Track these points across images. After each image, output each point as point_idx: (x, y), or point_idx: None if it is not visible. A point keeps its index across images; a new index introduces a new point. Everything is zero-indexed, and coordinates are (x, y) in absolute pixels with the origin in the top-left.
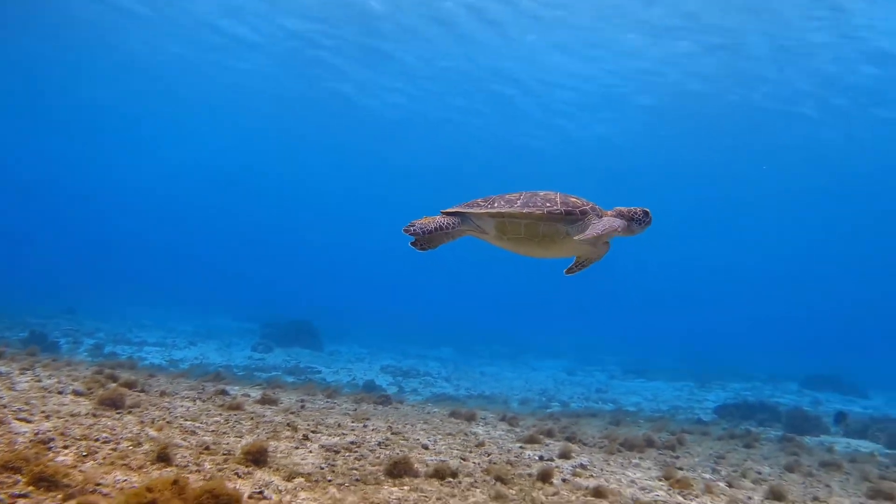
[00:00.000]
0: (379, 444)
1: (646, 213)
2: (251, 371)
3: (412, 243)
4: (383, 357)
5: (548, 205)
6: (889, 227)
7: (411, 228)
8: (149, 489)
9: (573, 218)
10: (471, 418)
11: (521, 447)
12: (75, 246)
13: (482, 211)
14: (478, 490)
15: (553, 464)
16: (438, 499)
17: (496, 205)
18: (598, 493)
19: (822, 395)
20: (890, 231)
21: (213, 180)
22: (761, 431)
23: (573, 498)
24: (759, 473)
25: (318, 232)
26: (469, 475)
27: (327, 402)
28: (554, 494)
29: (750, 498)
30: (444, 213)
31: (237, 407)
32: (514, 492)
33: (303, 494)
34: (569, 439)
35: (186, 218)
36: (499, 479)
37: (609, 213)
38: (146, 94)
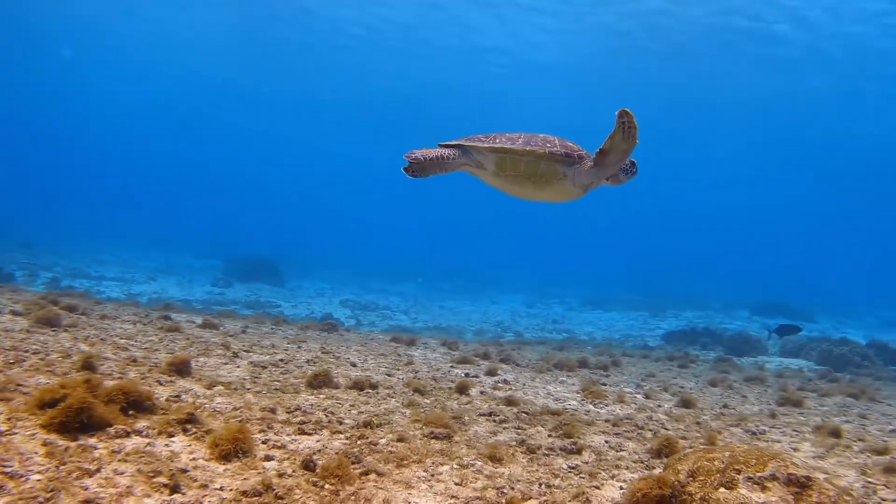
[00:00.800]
0: (308, 361)
1: (633, 164)
2: (209, 305)
3: (405, 168)
4: (345, 292)
5: (548, 145)
6: (842, 155)
7: (412, 156)
8: (62, 385)
9: (571, 160)
10: (411, 343)
11: (451, 366)
12: (35, 180)
13: (485, 145)
14: (393, 399)
15: (477, 379)
16: (352, 405)
17: (498, 141)
18: (509, 401)
19: (772, 320)
20: (841, 160)
21: (179, 118)
22: (701, 354)
23: (484, 406)
24: (682, 388)
25: (286, 170)
26: (389, 388)
27: (272, 328)
28: (467, 403)
29: (659, 406)
30: (442, 145)
31: (176, 329)
32: (428, 401)
33: (219, 399)
34: (503, 360)
35: (152, 156)
36: (417, 390)
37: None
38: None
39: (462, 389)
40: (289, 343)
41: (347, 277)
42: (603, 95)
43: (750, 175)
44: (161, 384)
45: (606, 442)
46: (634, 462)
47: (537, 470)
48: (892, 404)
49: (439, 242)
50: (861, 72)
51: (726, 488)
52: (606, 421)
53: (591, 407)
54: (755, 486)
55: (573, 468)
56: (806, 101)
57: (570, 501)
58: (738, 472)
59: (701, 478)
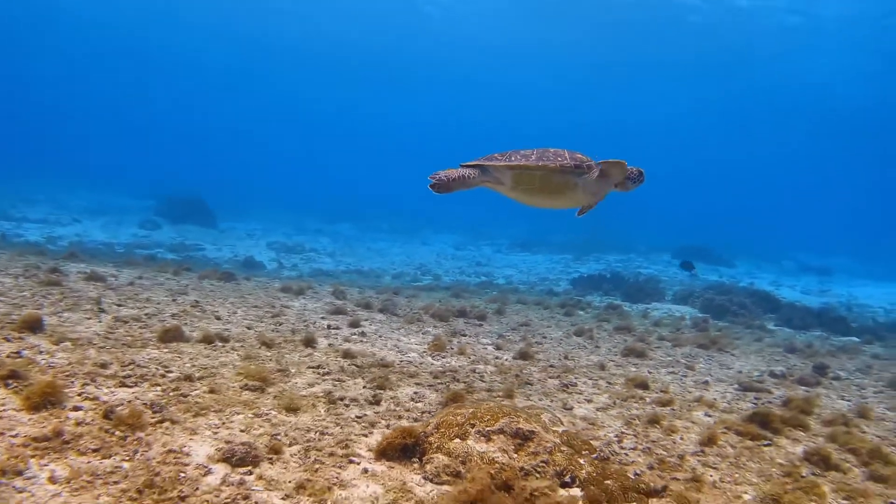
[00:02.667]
0: (173, 315)
1: (640, 173)
2: (132, 248)
3: (431, 186)
4: (277, 233)
5: (559, 159)
6: (769, 103)
7: (436, 177)
8: None
9: (581, 171)
10: (300, 292)
11: (322, 317)
12: None
13: (502, 164)
14: (235, 353)
15: (337, 331)
16: (191, 359)
17: (513, 159)
18: (347, 354)
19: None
20: (768, 108)
21: (119, 51)
22: (596, 301)
23: (324, 358)
24: (544, 338)
25: (231, 107)
26: (241, 341)
27: (168, 278)
28: (307, 356)
29: (498, 358)
30: (464, 165)
31: (56, 283)
32: (269, 353)
33: (60, 354)
34: (382, 310)
35: (89, 89)
36: (264, 343)
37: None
38: None
39: (308, 342)
40: (166, 296)
41: (285, 218)
42: (538, 59)
43: (683, 124)
44: (9, 340)
45: (416, 393)
46: (422, 413)
47: (325, 419)
48: (734, 354)
49: (383, 181)
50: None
51: (460, 439)
52: (431, 373)
53: (428, 359)
54: (482, 437)
55: (360, 418)
56: (722, 57)
57: (332, 447)
58: (473, 426)
59: (442, 430)
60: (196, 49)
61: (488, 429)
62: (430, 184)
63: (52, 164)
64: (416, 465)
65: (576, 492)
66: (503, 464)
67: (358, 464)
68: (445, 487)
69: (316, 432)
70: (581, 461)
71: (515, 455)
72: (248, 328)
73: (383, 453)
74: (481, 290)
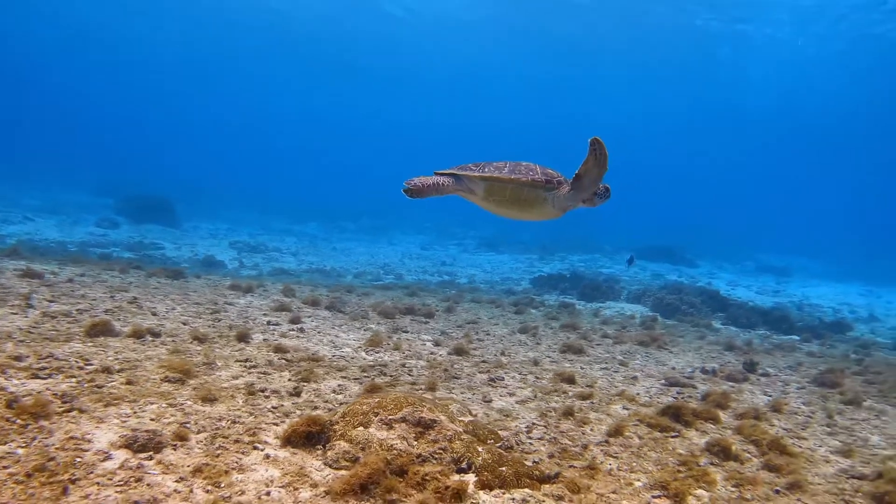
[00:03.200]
0: (106, 311)
1: (606, 189)
2: (86, 247)
3: (404, 191)
4: (242, 233)
5: (531, 174)
6: (729, 106)
7: (411, 183)
8: None
9: (551, 186)
10: (249, 290)
11: (265, 314)
12: None
13: (475, 174)
14: (164, 347)
15: (276, 327)
16: (117, 352)
17: (487, 170)
18: (278, 348)
19: (655, 264)
20: (730, 111)
21: (88, 43)
22: (554, 299)
23: (255, 353)
24: (487, 334)
25: (196, 106)
26: (173, 336)
27: (113, 276)
28: (238, 350)
29: (432, 354)
30: (438, 173)
31: None
32: (200, 348)
33: None
34: (329, 307)
35: (52, 83)
36: (196, 338)
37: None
38: None
39: (242, 337)
40: (104, 292)
41: (253, 217)
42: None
43: (653, 125)
44: None
45: (340, 386)
46: (340, 404)
47: (240, 409)
48: (673, 351)
49: (353, 181)
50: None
51: (363, 427)
52: (360, 367)
53: (362, 354)
54: (384, 425)
55: (275, 408)
56: (688, 61)
57: (240, 434)
58: (376, 414)
59: (347, 418)
60: (168, 45)
61: (391, 417)
62: (404, 188)
63: (4, 161)
64: (319, 452)
65: (470, 477)
66: (401, 450)
67: (262, 450)
68: (342, 472)
69: (228, 421)
70: (480, 449)
71: (415, 442)
72: (184, 324)
73: (289, 441)
74: (440, 290)
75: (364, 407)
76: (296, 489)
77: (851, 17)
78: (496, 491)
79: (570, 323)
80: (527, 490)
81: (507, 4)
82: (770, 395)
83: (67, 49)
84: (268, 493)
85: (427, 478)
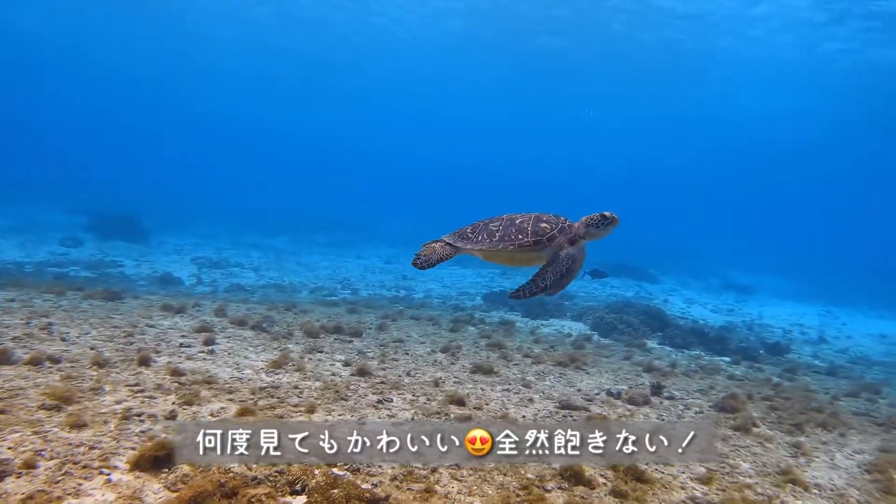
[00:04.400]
0: (13, 338)
1: (603, 217)
2: (44, 267)
3: (414, 264)
4: (209, 248)
5: (520, 237)
6: (706, 124)
7: (419, 261)
8: None
9: (542, 245)
10: (180, 310)
11: (182, 336)
12: None
13: (469, 247)
14: (60, 373)
15: (188, 349)
16: (6, 380)
17: (479, 238)
18: (175, 371)
19: (619, 280)
20: (707, 130)
21: (61, 63)
22: (498, 317)
23: (152, 376)
24: (407, 353)
25: (171, 121)
26: (74, 362)
27: (46, 299)
28: (135, 374)
29: (334, 374)
30: (440, 243)
31: None
32: (96, 374)
33: None
34: (254, 327)
35: (25, 100)
36: (96, 363)
37: (576, 224)
38: None
39: (143, 361)
40: (22, 318)
41: (223, 232)
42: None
43: (634, 139)
44: None
45: (222, 408)
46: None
47: (106, 434)
48: (589, 372)
49: (330, 194)
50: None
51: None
52: (251, 390)
53: (262, 376)
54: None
55: (143, 432)
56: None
57: (92, 460)
58: None
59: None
60: (147, 59)
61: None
62: (413, 262)
63: None
64: (163, 476)
65: (301, 499)
66: (237, 473)
67: (107, 475)
68: (175, 494)
69: (86, 447)
70: (316, 472)
71: (255, 465)
72: (92, 349)
73: (137, 465)
74: (388, 305)
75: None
76: None
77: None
78: None
79: (496, 342)
80: None
81: (479, 23)
82: (663, 419)
83: (54, 64)
84: None
85: (254, 499)
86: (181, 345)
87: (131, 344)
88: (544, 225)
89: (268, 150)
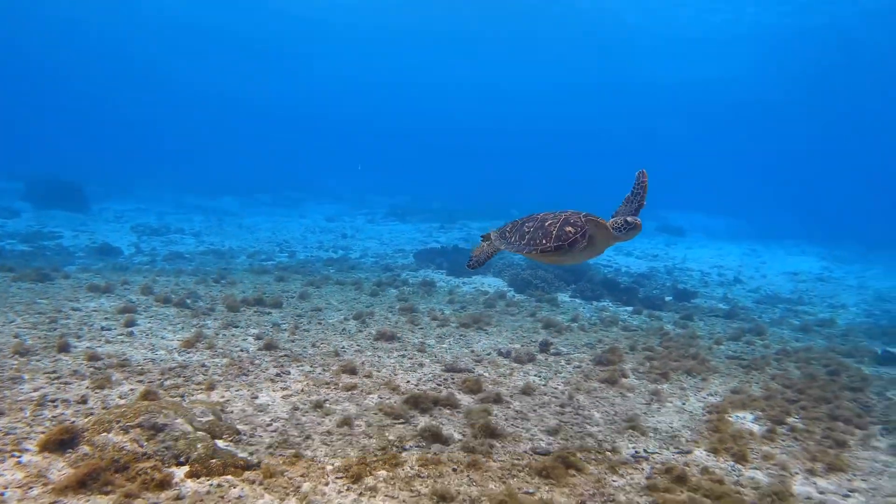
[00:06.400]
0: None
1: (626, 222)
2: None
3: (469, 265)
4: (151, 213)
5: (544, 241)
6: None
7: (471, 262)
8: None
9: (563, 251)
10: (106, 290)
11: (105, 319)
12: None
13: (505, 247)
14: None
15: (104, 332)
16: None
17: (513, 240)
18: (92, 356)
19: None
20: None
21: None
22: (421, 277)
23: (70, 362)
24: (319, 323)
25: (110, 82)
26: None
27: None
28: (55, 361)
29: (243, 350)
30: (487, 243)
31: None
32: (16, 363)
33: None
34: (178, 304)
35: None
36: (17, 352)
37: (606, 224)
38: None
39: (63, 348)
40: None
41: (167, 195)
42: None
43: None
44: None
45: (131, 390)
46: (116, 408)
47: (21, 420)
48: (488, 332)
49: (276, 153)
50: None
51: (105, 432)
52: (161, 371)
53: (174, 356)
54: (122, 430)
55: (55, 417)
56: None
57: (4, 445)
58: (118, 422)
59: (95, 426)
60: (86, 23)
61: (128, 423)
62: (468, 264)
63: None
64: (67, 455)
65: (184, 469)
66: (129, 450)
67: (18, 457)
68: (75, 470)
69: (2, 434)
70: (199, 445)
71: (146, 443)
72: (15, 337)
73: (45, 447)
74: (318, 269)
75: (110, 416)
76: (29, 488)
77: None
78: (202, 479)
79: (408, 306)
80: (229, 476)
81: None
82: (538, 376)
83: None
84: (2, 494)
85: (141, 471)
86: (102, 328)
87: (55, 330)
88: (569, 229)
89: (214, 110)
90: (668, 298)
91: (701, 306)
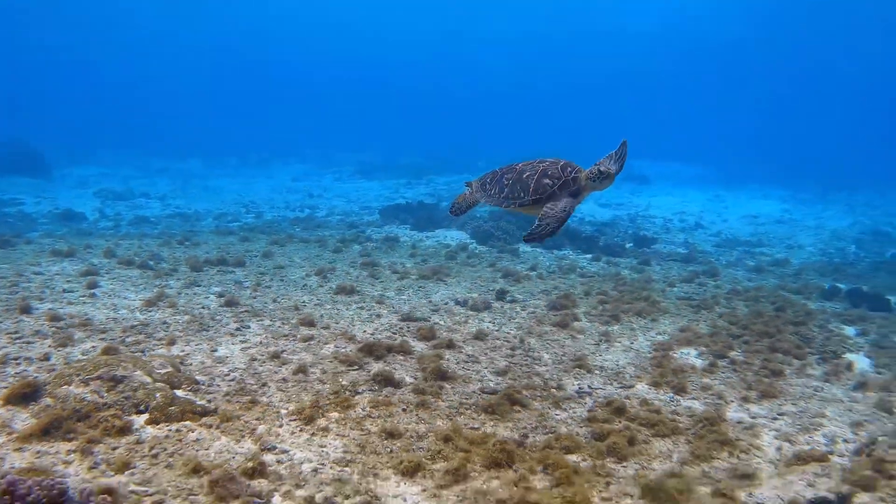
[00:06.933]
0: None
1: (599, 171)
2: None
3: (451, 211)
4: (115, 178)
5: (522, 195)
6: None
7: (453, 209)
8: None
9: (541, 203)
10: (69, 254)
11: (67, 282)
12: None
13: (484, 199)
14: None
15: (66, 294)
16: None
17: (492, 193)
18: (55, 317)
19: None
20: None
21: None
22: (385, 233)
23: (32, 323)
24: (282, 280)
25: (76, 40)
26: None
27: None
28: (16, 322)
29: (204, 307)
30: (468, 191)
31: None
32: None
33: None
34: (141, 266)
35: None
36: None
37: (581, 175)
38: None
39: (24, 310)
40: None
41: (132, 158)
42: None
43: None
44: None
45: (93, 347)
46: (77, 363)
47: None
48: (447, 283)
49: (244, 112)
50: None
51: (66, 385)
52: (123, 329)
53: (136, 314)
54: (82, 383)
55: (18, 374)
56: None
57: None
58: (79, 375)
59: (57, 380)
60: None
61: (88, 376)
62: (450, 210)
63: None
64: (30, 407)
65: (143, 416)
66: (90, 401)
67: None
68: (38, 420)
69: None
70: (157, 395)
71: (107, 394)
72: None
73: (8, 400)
74: (283, 229)
75: (71, 370)
76: None
77: None
78: (161, 425)
79: (370, 261)
80: (188, 422)
81: None
82: (495, 323)
83: None
84: None
85: (101, 419)
86: (65, 290)
87: (16, 293)
88: (546, 181)
89: (181, 69)
90: (628, 245)
91: (660, 251)
